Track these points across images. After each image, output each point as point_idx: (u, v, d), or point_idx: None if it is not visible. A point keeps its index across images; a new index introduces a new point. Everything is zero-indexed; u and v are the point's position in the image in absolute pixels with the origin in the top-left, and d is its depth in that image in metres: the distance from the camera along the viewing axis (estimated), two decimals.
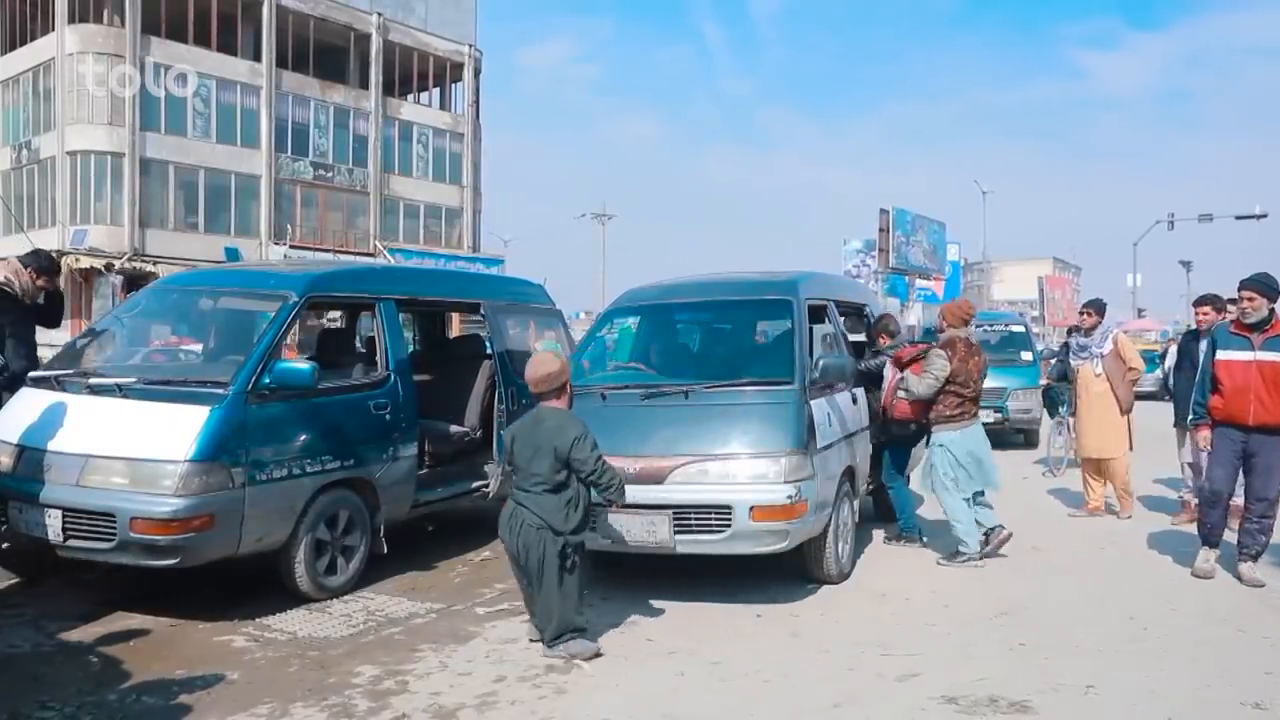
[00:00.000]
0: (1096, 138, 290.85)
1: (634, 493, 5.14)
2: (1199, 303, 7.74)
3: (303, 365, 5.34)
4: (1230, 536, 6.02)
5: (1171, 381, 8.28)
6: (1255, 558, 5.78)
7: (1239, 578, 5.73)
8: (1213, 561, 5.85)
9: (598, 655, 4.44)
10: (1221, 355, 5.75)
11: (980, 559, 6.21)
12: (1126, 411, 7.75)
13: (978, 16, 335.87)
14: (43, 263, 6.20)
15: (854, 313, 7.50)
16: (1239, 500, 7.22)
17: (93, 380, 5.29)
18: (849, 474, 6.00)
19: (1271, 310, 5.66)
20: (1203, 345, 6.76)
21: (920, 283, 35.92)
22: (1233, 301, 8.52)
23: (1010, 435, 12.91)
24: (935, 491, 6.43)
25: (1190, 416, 6.17)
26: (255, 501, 4.93)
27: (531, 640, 4.63)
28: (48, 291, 6.31)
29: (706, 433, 5.32)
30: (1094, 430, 7.79)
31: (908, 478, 7.09)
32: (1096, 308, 8.06)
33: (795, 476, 5.12)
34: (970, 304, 7.32)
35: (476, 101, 40.90)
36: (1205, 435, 5.92)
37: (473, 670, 4.32)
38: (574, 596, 4.46)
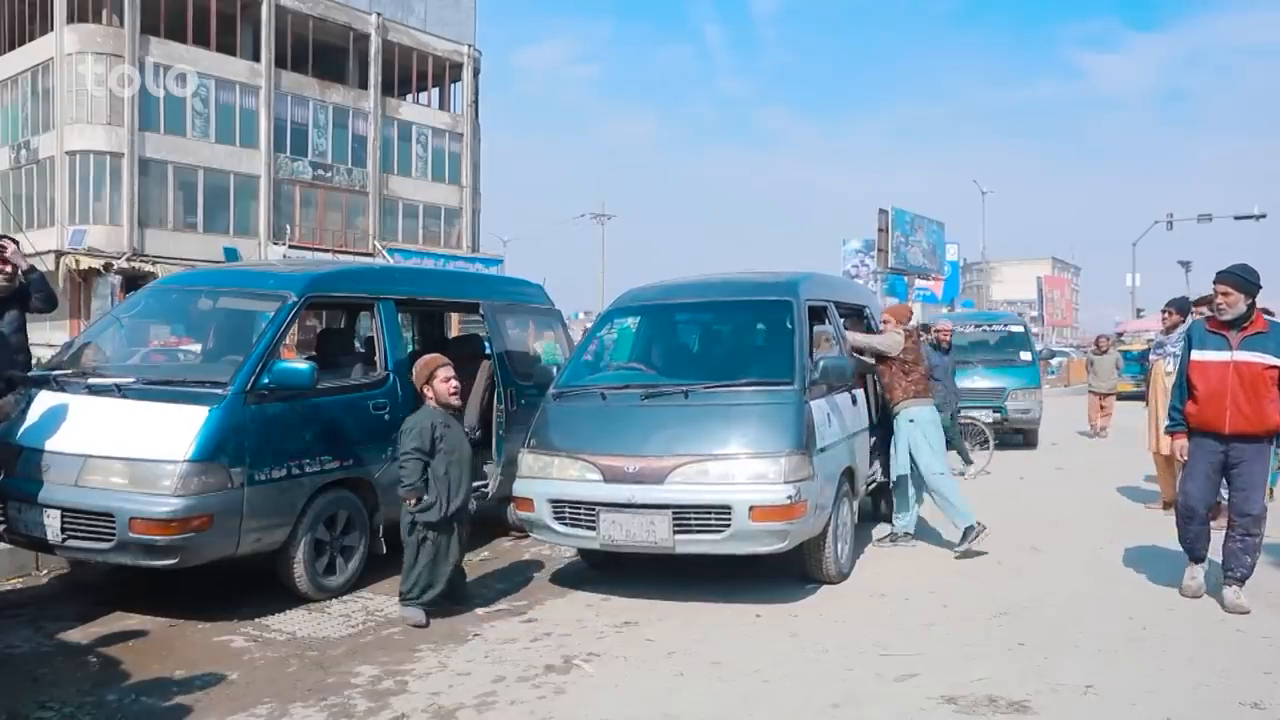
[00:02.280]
0: (1096, 138, 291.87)
1: (634, 492, 5.16)
2: (1199, 303, 7.70)
3: (302, 365, 5.34)
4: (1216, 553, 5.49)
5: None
6: (1241, 581, 5.19)
7: (1222, 604, 5.18)
8: (1200, 578, 5.38)
9: (420, 625, 4.88)
10: (1196, 356, 5.23)
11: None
12: None
13: (978, 17, 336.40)
14: None
15: (854, 314, 7.51)
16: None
17: (91, 380, 5.28)
18: (848, 474, 6.00)
19: (1250, 305, 5.12)
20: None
21: (919, 283, 35.92)
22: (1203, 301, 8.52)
23: (1009, 435, 12.92)
24: (931, 471, 6.54)
25: (1166, 423, 5.65)
26: (254, 501, 4.93)
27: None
28: (16, 275, 5.74)
29: (706, 433, 5.33)
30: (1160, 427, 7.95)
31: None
32: (1179, 307, 8.19)
33: (795, 477, 5.12)
34: (909, 308, 7.70)
35: (475, 101, 40.87)
36: (1181, 444, 5.37)
37: (472, 670, 4.32)
38: (421, 566, 4.94)
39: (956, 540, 6.46)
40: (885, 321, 7.04)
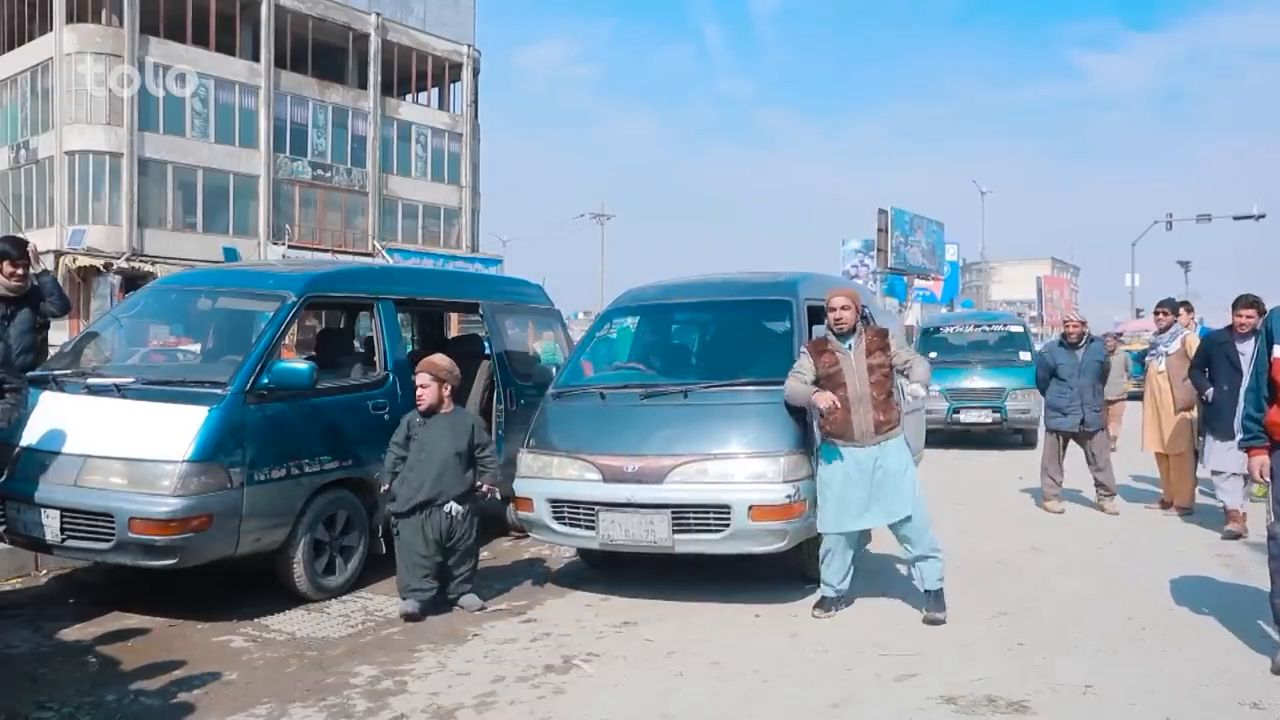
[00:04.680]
0: (1095, 138, 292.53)
1: (633, 492, 5.16)
2: (1238, 304, 7.09)
3: (301, 365, 5.34)
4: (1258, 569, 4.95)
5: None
6: None
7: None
8: None
9: (410, 617, 4.98)
10: None
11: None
12: (1180, 410, 7.84)
13: (978, 17, 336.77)
14: (3, 248, 5.70)
15: None
16: (1234, 505, 7.13)
17: (91, 380, 5.28)
18: None
19: None
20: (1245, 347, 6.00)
21: (919, 283, 35.97)
22: (1185, 305, 8.41)
23: (1008, 435, 12.93)
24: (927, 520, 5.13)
25: (1240, 437, 4.48)
26: (253, 502, 4.93)
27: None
28: (29, 276, 5.77)
29: (705, 432, 5.32)
30: (1154, 426, 8.11)
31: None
32: (1170, 307, 8.38)
33: (794, 476, 5.12)
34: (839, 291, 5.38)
35: (475, 101, 40.89)
36: (1262, 462, 4.33)
37: (471, 670, 4.32)
38: (401, 564, 5.12)
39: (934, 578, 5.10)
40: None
